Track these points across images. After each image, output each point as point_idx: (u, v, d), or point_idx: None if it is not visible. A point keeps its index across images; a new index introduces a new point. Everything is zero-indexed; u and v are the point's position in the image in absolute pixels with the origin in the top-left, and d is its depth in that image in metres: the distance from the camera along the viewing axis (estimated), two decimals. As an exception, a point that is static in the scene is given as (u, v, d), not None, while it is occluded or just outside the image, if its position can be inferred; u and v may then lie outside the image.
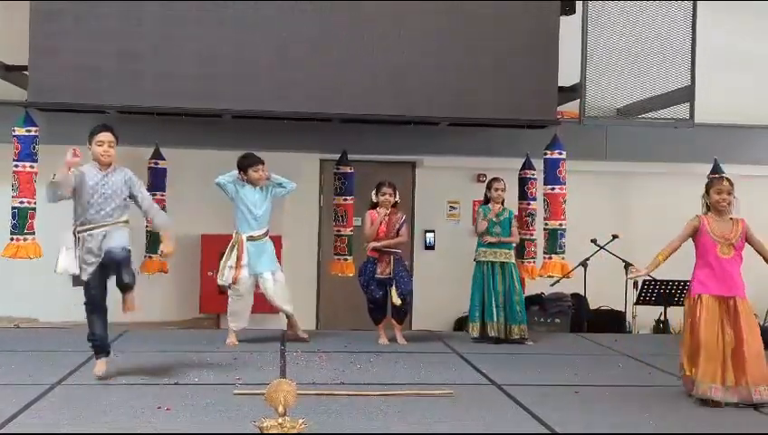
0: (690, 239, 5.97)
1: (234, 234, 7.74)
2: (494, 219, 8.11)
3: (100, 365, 6.08)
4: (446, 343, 8.11)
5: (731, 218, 5.85)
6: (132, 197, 6.17)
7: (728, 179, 5.90)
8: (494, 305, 8.01)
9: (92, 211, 5.98)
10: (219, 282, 7.80)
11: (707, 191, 5.89)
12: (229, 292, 7.76)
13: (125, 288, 5.96)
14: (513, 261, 8.20)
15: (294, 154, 9.92)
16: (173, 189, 9.46)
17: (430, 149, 10.23)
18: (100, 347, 6.10)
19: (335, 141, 9.61)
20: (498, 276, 8.06)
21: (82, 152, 5.93)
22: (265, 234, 7.76)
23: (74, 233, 6.01)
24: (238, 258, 7.61)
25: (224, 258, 7.74)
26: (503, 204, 8.23)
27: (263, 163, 7.70)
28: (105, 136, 6.04)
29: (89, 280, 5.97)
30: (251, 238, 7.65)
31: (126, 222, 6.14)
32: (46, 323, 9.22)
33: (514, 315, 8.02)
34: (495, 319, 8.02)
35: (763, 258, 5.88)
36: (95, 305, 6.02)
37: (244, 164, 7.70)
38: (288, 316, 7.97)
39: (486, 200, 8.29)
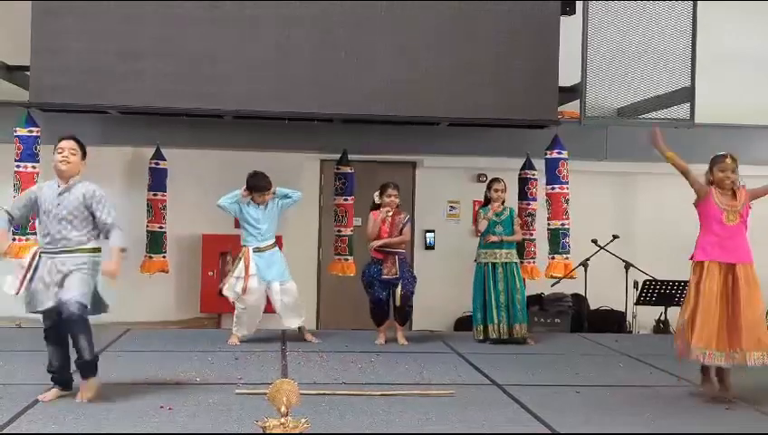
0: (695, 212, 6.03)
1: (242, 247, 7.79)
2: (495, 219, 8.11)
3: (50, 394, 5.40)
4: (446, 342, 8.12)
5: (733, 190, 5.90)
6: (93, 215, 5.38)
7: (732, 157, 5.90)
8: (494, 307, 8.01)
9: (45, 235, 5.31)
10: (225, 293, 7.74)
11: (711, 170, 5.94)
12: (236, 303, 7.74)
13: (83, 369, 5.32)
14: (516, 260, 8.20)
15: (295, 154, 9.96)
16: (174, 189, 9.47)
17: (430, 149, 10.24)
18: (58, 380, 5.46)
19: (335, 141, 9.63)
20: (500, 276, 8.05)
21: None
22: (273, 245, 7.80)
23: (36, 254, 5.37)
24: (246, 268, 7.60)
25: (230, 271, 7.82)
26: (503, 204, 8.23)
27: (269, 188, 7.71)
28: (66, 143, 5.35)
29: (45, 312, 5.34)
30: (257, 250, 7.69)
31: (93, 250, 5.38)
32: (47, 323, 9.23)
33: (516, 314, 8.03)
34: (497, 320, 8.02)
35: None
36: (51, 339, 5.41)
37: (253, 185, 7.71)
38: (299, 328, 7.99)
39: (487, 201, 8.28)
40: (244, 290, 7.59)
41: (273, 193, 7.77)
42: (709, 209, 5.88)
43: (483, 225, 8.12)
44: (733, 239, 5.79)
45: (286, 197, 7.84)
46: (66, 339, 5.39)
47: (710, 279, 5.72)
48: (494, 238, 8.07)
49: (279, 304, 7.74)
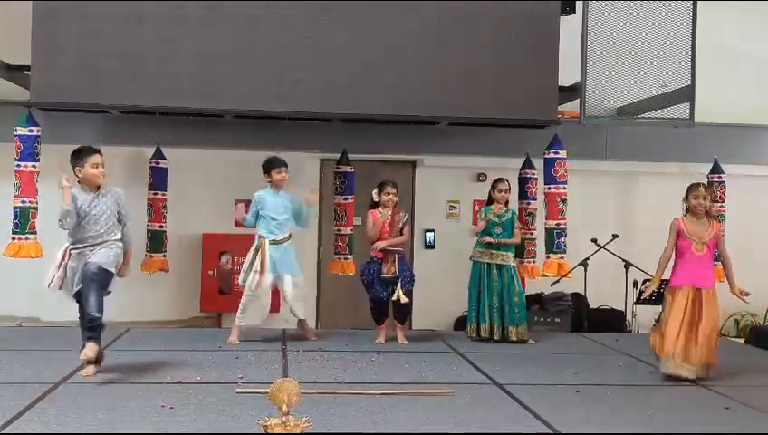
0: None
1: (256, 237, 7.78)
2: (495, 220, 8.11)
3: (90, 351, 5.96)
4: (446, 342, 8.12)
5: (707, 219, 6.73)
6: (119, 214, 6.25)
7: (704, 185, 6.81)
8: (487, 306, 8.02)
9: (82, 233, 6.07)
10: (240, 281, 7.81)
11: (687, 196, 6.76)
12: (244, 290, 7.77)
13: (89, 329, 5.92)
14: (513, 263, 8.18)
15: (295, 153, 9.93)
16: (174, 189, 9.48)
17: (430, 148, 10.25)
18: (96, 327, 5.96)
19: (335, 141, 9.63)
20: (495, 277, 8.06)
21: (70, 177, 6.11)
22: (288, 237, 7.80)
23: (66, 250, 6.13)
24: (262, 263, 7.61)
25: (246, 261, 7.78)
26: (507, 205, 8.22)
27: (286, 166, 7.78)
28: (99, 158, 6.12)
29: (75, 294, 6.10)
30: (274, 242, 7.68)
31: (118, 240, 6.22)
32: (48, 323, 9.25)
33: (513, 317, 8.02)
34: (488, 320, 8.04)
35: (724, 266, 6.84)
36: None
37: (268, 167, 7.79)
38: (300, 320, 8.07)
39: (490, 201, 8.28)
40: (259, 284, 7.61)
41: (311, 204, 7.97)
42: (681, 241, 6.70)
43: (481, 227, 8.14)
44: (700, 267, 6.64)
45: (299, 216, 7.85)
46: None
47: (683, 302, 6.55)
48: (488, 240, 8.07)
49: (288, 296, 7.80)
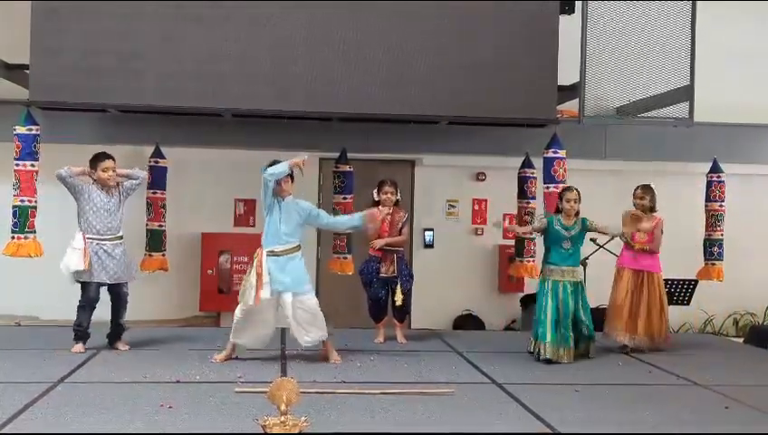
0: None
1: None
2: (564, 233, 7.41)
3: (79, 347, 7.12)
4: (446, 341, 8.13)
5: (651, 213, 7.87)
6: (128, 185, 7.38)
7: (644, 187, 7.88)
8: (559, 327, 7.19)
9: (98, 224, 7.10)
10: (240, 300, 6.84)
11: (634, 195, 7.93)
12: (238, 307, 6.90)
13: (120, 333, 7.40)
14: (580, 279, 7.48)
15: (294, 153, 9.92)
16: (174, 188, 9.46)
17: (430, 147, 10.25)
18: (83, 335, 7.17)
19: (334, 140, 9.61)
20: (567, 295, 7.30)
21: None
22: (293, 249, 6.84)
23: (84, 237, 7.04)
24: (258, 276, 6.67)
25: (245, 277, 6.87)
26: (577, 215, 7.46)
27: (288, 176, 6.87)
28: (110, 163, 7.17)
29: (90, 283, 7.06)
30: (272, 253, 6.76)
31: (121, 237, 7.28)
32: (47, 321, 9.25)
33: (582, 333, 7.40)
34: (558, 342, 7.17)
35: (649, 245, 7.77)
36: (90, 306, 7.14)
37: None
38: (324, 341, 7.06)
39: (557, 210, 7.57)
40: (258, 301, 6.65)
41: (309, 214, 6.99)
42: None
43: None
44: (641, 253, 7.76)
45: (318, 217, 7.07)
46: (94, 308, 7.18)
47: (625, 282, 7.76)
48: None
49: (290, 320, 6.80)
